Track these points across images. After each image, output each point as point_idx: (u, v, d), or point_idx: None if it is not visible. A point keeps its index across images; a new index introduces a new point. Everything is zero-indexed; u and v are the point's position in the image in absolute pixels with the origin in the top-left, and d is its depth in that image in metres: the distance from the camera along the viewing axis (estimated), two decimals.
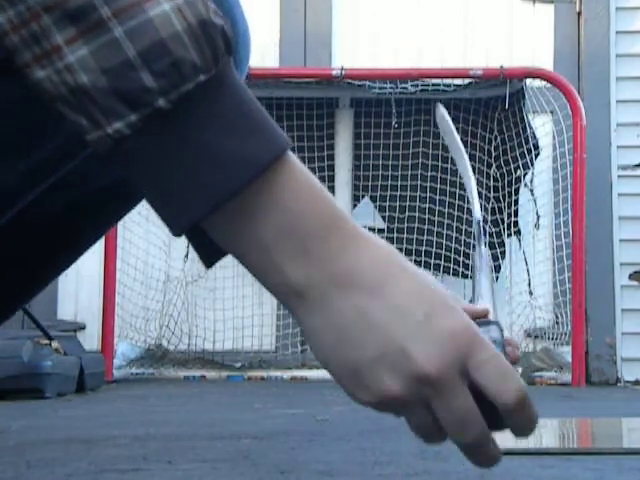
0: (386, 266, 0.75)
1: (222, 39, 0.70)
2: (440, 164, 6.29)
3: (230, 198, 0.71)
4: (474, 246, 1.04)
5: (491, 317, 0.96)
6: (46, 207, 1.02)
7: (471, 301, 1.02)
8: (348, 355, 0.74)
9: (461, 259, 6.27)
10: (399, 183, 6.39)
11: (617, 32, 6.38)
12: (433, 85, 6.19)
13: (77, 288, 6.18)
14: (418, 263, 6.09)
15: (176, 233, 0.74)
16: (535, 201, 6.24)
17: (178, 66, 0.68)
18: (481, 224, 1.04)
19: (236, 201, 0.72)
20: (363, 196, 6.47)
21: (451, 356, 0.73)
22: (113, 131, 0.69)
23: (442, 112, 1.07)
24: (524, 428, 0.78)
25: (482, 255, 1.04)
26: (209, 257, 0.96)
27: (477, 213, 1.05)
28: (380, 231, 6.37)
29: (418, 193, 6.37)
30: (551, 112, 6.19)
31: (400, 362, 0.73)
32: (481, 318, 0.93)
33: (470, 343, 0.74)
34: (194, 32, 0.69)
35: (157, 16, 0.68)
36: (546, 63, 6.31)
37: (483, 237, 1.04)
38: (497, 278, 6.11)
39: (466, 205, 6.30)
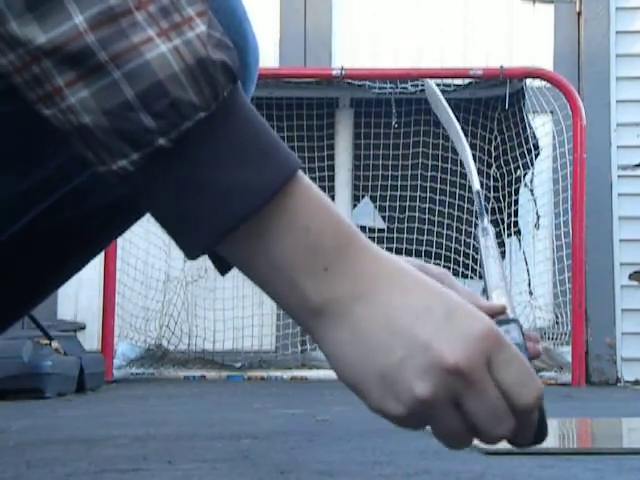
0: (403, 275, 0.77)
1: (223, 74, 0.71)
2: (440, 164, 6.30)
3: (239, 225, 0.72)
4: (476, 225, 1.02)
5: (509, 313, 0.95)
6: (51, 221, 1.03)
7: (484, 291, 1.01)
8: (375, 362, 0.75)
9: (461, 259, 6.27)
10: (399, 183, 6.39)
11: (617, 32, 6.38)
12: None
13: (77, 288, 6.18)
14: None
15: (190, 258, 0.76)
16: (535, 201, 6.24)
17: (176, 106, 0.69)
18: (482, 196, 1.02)
19: (248, 226, 0.73)
20: (363, 196, 6.47)
21: (477, 349, 0.74)
22: (117, 168, 0.70)
23: (430, 85, 1.07)
24: (529, 431, 0.79)
25: (487, 231, 1.02)
26: (224, 265, 0.97)
27: (476, 183, 1.03)
28: (380, 231, 6.38)
29: (418, 193, 6.37)
30: (551, 112, 6.19)
31: (427, 359, 0.74)
32: (499, 315, 0.93)
33: (492, 343, 0.75)
34: (192, 72, 0.70)
35: (154, 58, 0.69)
36: (546, 63, 6.31)
37: (485, 213, 1.02)
38: None
39: (466, 205, 6.30)
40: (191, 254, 0.75)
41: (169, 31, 0.69)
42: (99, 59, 0.68)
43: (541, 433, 0.80)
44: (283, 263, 0.75)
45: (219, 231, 0.72)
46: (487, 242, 1.02)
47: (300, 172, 0.75)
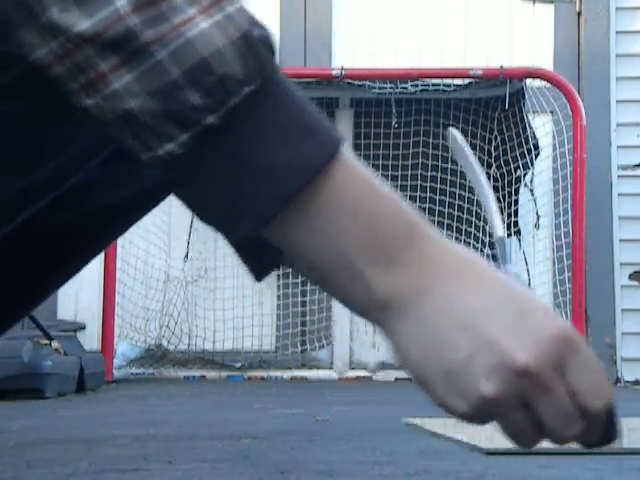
0: (471, 267, 0.74)
1: (265, 48, 0.70)
2: (440, 164, 6.30)
3: (287, 205, 0.70)
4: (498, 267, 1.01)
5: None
6: (51, 222, 1.03)
7: None
8: (441, 358, 0.72)
9: None
10: (399, 183, 6.39)
11: (617, 32, 6.38)
12: (433, 85, 6.19)
13: (77, 288, 6.18)
14: None
15: (234, 242, 0.74)
16: (535, 201, 6.24)
17: (223, 82, 0.68)
18: (505, 242, 1.01)
19: (298, 208, 0.71)
20: None
21: (549, 351, 0.72)
22: (164, 152, 0.69)
23: (454, 134, 1.06)
24: (597, 434, 0.77)
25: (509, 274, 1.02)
26: (259, 271, 0.96)
27: (499, 230, 1.02)
28: None
29: (418, 193, 6.37)
30: (551, 112, 6.19)
31: (495, 358, 0.71)
32: None
33: (566, 345, 0.72)
34: (236, 46, 0.69)
35: (197, 36, 0.68)
36: (546, 63, 6.31)
37: (508, 256, 1.02)
38: None
39: (466, 205, 6.30)
40: (238, 238, 0.72)
41: (209, 8, 0.69)
42: (142, 41, 0.67)
43: (612, 433, 0.78)
44: (340, 251, 0.72)
45: (267, 212, 0.70)
46: None
47: (345, 152, 0.72)
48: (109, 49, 0.68)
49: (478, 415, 0.74)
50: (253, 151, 0.70)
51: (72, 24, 0.67)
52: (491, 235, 6.06)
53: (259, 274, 0.97)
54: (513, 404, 0.72)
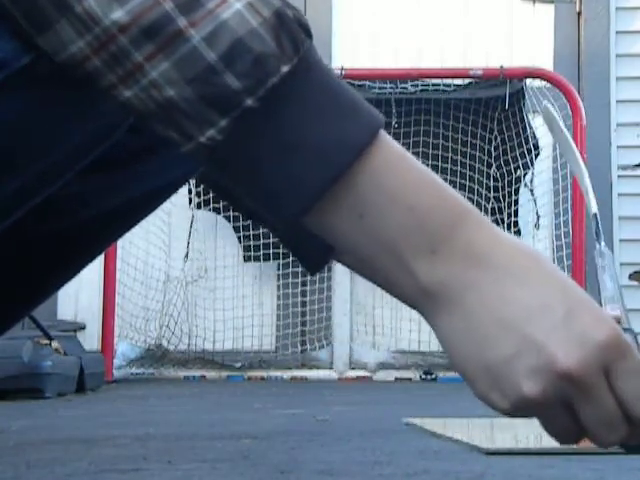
0: (522, 260, 0.73)
1: (299, 26, 0.70)
2: (440, 164, 6.29)
3: (330, 185, 0.69)
4: (594, 245, 0.99)
5: (623, 324, 0.94)
6: (50, 226, 1.02)
7: (599, 304, 0.99)
8: (483, 354, 0.71)
9: None
10: None
11: (617, 32, 6.38)
12: (433, 85, 6.19)
13: (77, 288, 6.18)
14: None
15: (284, 228, 0.73)
16: (535, 201, 6.24)
17: (260, 61, 0.68)
18: (598, 219, 0.99)
19: (340, 192, 0.70)
20: None
21: (594, 355, 0.70)
22: (206, 139, 0.69)
23: (548, 107, 1.04)
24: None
25: (604, 253, 1.01)
26: (314, 261, 0.94)
27: (593, 207, 1.01)
28: None
29: None
30: None
31: (538, 359, 0.70)
32: None
33: (614, 351, 0.71)
34: (270, 24, 0.68)
35: (231, 17, 0.67)
36: (546, 63, 6.31)
37: (602, 234, 1.01)
38: None
39: None
40: (284, 223, 0.71)
41: None
42: (177, 26, 0.67)
43: None
44: (381, 237, 0.71)
45: (311, 193, 0.69)
46: (603, 263, 1.01)
47: (385, 134, 0.71)
48: (144, 36, 0.67)
49: (519, 412, 0.72)
50: (292, 133, 0.69)
51: (107, 12, 0.67)
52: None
53: (314, 265, 0.95)
54: (555, 405, 0.71)
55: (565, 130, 1.01)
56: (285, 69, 0.68)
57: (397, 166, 0.71)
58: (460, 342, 0.72)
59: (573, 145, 1.02)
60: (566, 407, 0.72)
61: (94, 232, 1.08)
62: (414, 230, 0.71)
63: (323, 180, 0.69)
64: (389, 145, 0.72)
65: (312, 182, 0.69)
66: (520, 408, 0.72)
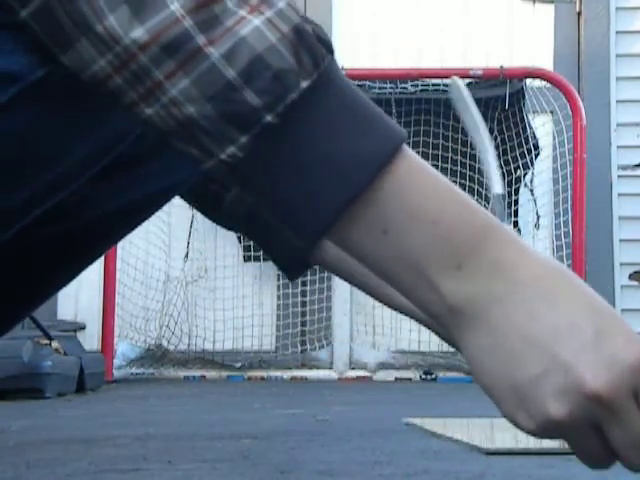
0: (551, 276, 0.71)
1: (319, 41, 0.70)
2: (440, 164, 6.29)
3: (351, 202, 0.69)
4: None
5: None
6: (54, 228, 1.03)
7: None
8: (509, 374, 0.70)
9: None
10: None
11: (617, 32, 6.38)
12: (433, 85, 6.19)
13: (77, 288, 6.18)
14: None
15: (307, 247, 0.71)
16: (535, 201, 6.24)
17: (279, 77, 0.67)
18: (505, 201, 0.99)
19: (362, 207, 0.69)
20: None
21: (624, 377, 0.69)
22: (226, 156, 0.68)
23: (458, 83, 1.04)
24: None
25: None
26: (295, 268, 0.94)
27: (497, 187, 0.99)
28: None
29: None
30: (551, 112, 6.19)
31: (566, 380, 0.68)
32: None
33: None
34: (289, 40, 0.68)
35: (250, 33, 0.67)
36: (546, 63, 6.30)
37: (505, 215, 0.99)
38: None
39: None
40: (306, 242, 0.70)
41: (259, 6, 0.68)
42: (197, 43, 0.67)
43: None
44: (403, 254, 0.70)
45: (330, 212, 0.69)
46: None
47: (407, 148, 0.71)
48: (164, 54, 0.67)
49: (545, 434, 0.71)
50: (314, 145, 0.68)
51: (127, 31, 0.67)
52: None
53: (293, 273, 0.95)
54: (582, 428, 0.70)
55: (473, 104, 1.00)
56: (304, 84, 0.68)
57: (420, 180, 0.71)
58: (486, 360, 0.71)
59: (479, 120, 1.00)
60: (595, 429, 0.70)
61: (97, 233, 1.08)
62: (438, 245, 0.70)
63: (343, 198, 0.68)
64: (411, 159, 0.71)
65: (332, 200, 0.68)
66: (547, 429, 0.70)
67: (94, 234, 1.07)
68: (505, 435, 2.19)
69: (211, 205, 1.19)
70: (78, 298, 6.31)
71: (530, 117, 6.19)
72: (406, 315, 1.06)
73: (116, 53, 0.68)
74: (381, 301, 1.07)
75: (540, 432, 0.71)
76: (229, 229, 1.16)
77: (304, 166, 0.69)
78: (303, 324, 6.31)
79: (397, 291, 0.73)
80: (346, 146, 0.69)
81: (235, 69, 0.67)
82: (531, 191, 6.26)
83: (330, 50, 0.71)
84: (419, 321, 1.04)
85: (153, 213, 1.10)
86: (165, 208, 1.13)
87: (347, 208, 0.69)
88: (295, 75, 0.68)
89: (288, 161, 0.69)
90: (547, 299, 0.70)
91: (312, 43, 0.69)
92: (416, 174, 0.71)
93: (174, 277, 6.31)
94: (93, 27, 0.68)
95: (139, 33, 0.67)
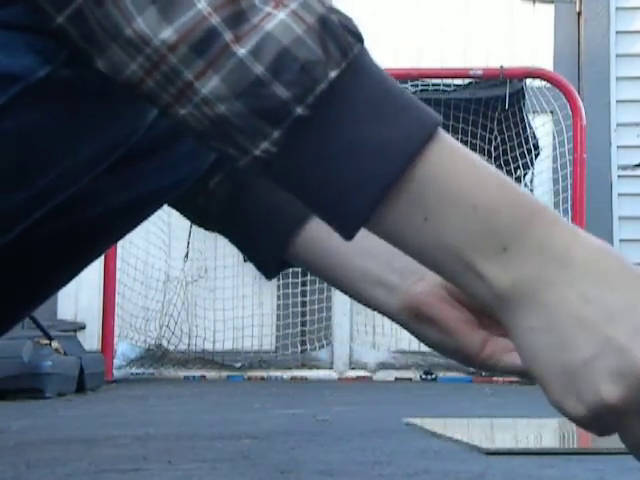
0: (604, 259, 0.70)
1: (346, 30, 0.70)
2: None
3: (391, 185, 0.68)
4: None
5: None
6: (56, 226, 1.02)
7: None
8: (561, 355, 0.68)
9: None
10: None
11: (617, 32, 6.38)
12: (433, 85, 6.19)
13: (77, 288, 6.18)
14: None
15: (348, 237, 0.71)
16: None
17: (307, 69, 0.67)
18: None
19: (400, 191, 0.68)
20: None
21: None
22: (260, 152, 0.68)
23: None
24: None
25: None
26: (272, 267, 0.94)
27: None
28: None
29: None
30: (551, 112, 6.19)
31: (621, 363, 0.67)
32: None
33: None
34: (315, 31, 0.68)
35: (275, 27, 0.67)
36: (546, 63, 6.31)
37: None
38: None
39: None
40: (348, 231, 0.70)
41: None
42: (224, 40, 0.67)
43: None
44: (446, 242, 0.69)
45: (372, 195, 0.68)
46: None
47: (443, 132, 0.70)
48: (193, 53, 0.67)
49: (596, 421, 0.69)
50: (346, 133, 0.68)
51: (156, 32, 0.67)
52: None
53: (271, 271, 0.95)
54: (636, 414, 0.68)
55: None
56: (333, 74, 0.68)
57: (457, 165, 0.70)
58: (536, 342, 0.69)
59: None
60: None
61: (99, 230, 1.08)
62: (480, 230, 0.69)
63: (377, 188, 0.68)
64: (448, 143, 0.70)
65: (367, 190, 0.68)
66: (597, 415, 0.68)
67: (96, 231, 1.07)
68: (505, 435, 2.19)
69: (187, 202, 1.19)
70: (78, 298, 6.31)
71: (530, 117, 6.19)
72: (376, 310, 1.06)
73: (147, 55, 0.68)
74: (351, 296, 1.07)
75: (590, 418, 0.69)
76: (200, 226, 1.16)
77: (336, 156, 0.68)
78: (303, 324, 6.31)
79: (443, 279, 0.72)
80: (379, 131, 0.68)
81: (263, 64, 0.67)
82: (531, 191, 6.26)
83: (359, 39, 0.71)
84: (390, 317, 1.04)
85: (155, 210, 1.10)
86: (165, 208, 1.13)
87: (382, 198, 0.68)
88: (323, 66, 0.68)
89: (320, 152, 0.68)
90: (599, 281, 0.69)
91: (339, 33, 0.69)
92: (453, 158, 0.70)
93: (174, 277, 6.31)
94: (123, 31, 0.68)
95: (168, 33, 0.67)
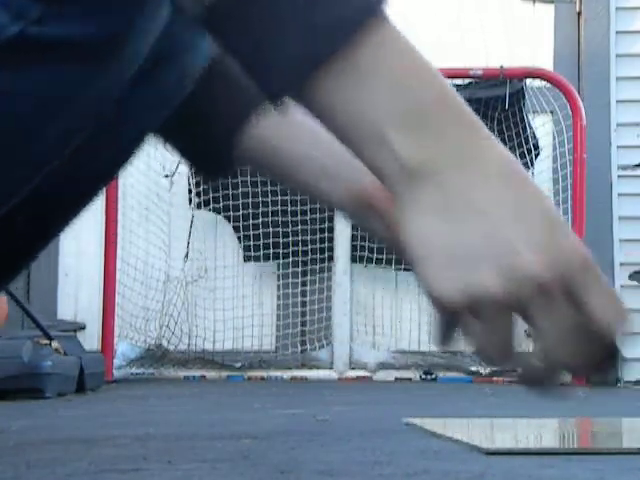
0: (512, 162, 0.71)
1: None
2: None
3: (326, 60, 0.68)
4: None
5: None
6: (55, 179, 1.02)
7: None
8: (447, 239, 0.68)
9: None
10: None
11: (617, 32, 6.38)
12: None
13: (77, 288, 6.18)
14: None
15: (273, 100, 0.70)
16: None
17: None
18: None
19: (334, 65, 0.69)
20: None
21: (563, 264, 0.69)
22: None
23: None
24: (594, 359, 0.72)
25: None
26: (212, 170, 0.95)
27: None
28: None
29: None
30: (551, 112, 6.19)
31: (505, 255, 0.68)
32: None
33: (584, 259, 0.70)
34: None
35: None
36: (546, 63, 6.31)
37: None
38: None
39: None
40: (274, 94, 0.69)
41: None
42: None
43: (610, 361, 0.72)
44: (371, 115, 0.69)
45: (307, 65, 0.68)
46: None
47: (389, 19, 0.72)
48: None
49: (459, 304, 0.68)
50: (292, 3, 0.68)
51: None
52: None
53: (212, 174, 0.96)
54: (509, 307, 0.68)
55: None
56: None
57: (396, 46, 0.71)
58: (427, 220, 0.69)
59: None
60: (519, 312, 0.69)
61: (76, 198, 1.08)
62: (405, 108, 0.69)
63: (318, 54, 0.68)
64: (391, 26, 0.72)
65: (304, 57, 0.68)
66: (469, 300, 0.68)
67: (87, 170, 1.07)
68: (505, 435, 2.19)
69: None
70: (78, 298, 6.31)
71: (530, 117, 6.19)
72: (323, 203, 1.07)
73: None
74: (297, 189, 1.08)
75: (462, 302, 0.68)
76: None
77: (278, 19, 0.68)
78: (303, 324, 6.31)
79: (358, 154, 0.72)
80: (325, 6, 0.68)
81: None
82: None
83: None
84: (338, 208, 1.05)
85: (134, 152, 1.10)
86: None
87: (319, 67, 0.68)
88: None
89: (263, 10, 0.68)
90: (503, 180, 0.70)
91: None
92: (394, 39, 0.72)
93: (174, 277, 6.31)
94: None
95: None
